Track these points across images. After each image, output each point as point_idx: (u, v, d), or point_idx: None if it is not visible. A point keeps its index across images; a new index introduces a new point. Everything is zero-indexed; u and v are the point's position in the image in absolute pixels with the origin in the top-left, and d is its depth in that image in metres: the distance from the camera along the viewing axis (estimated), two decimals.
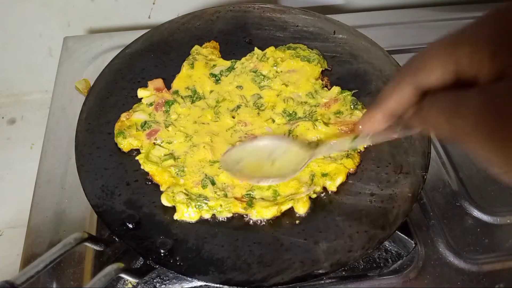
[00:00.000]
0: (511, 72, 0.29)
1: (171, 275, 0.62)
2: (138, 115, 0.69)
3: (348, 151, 0.65)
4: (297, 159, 0.56)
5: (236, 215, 0.60)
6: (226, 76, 0.75)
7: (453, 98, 0.32)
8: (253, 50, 0.78)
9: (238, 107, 0.71)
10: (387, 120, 0.41)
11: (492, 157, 0.29)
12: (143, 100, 0.71)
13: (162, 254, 0.55)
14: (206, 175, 0.63)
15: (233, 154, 0.59)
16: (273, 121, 0.69)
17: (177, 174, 0.63)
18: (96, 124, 0.68)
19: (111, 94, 0.72)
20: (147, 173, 0.63)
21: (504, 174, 0.30)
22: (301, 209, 0.60)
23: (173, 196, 0.60)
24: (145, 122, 0.68)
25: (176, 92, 0.72)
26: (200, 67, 0.75)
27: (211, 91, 0.73)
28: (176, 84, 0.74)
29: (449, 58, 0.34)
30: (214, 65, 0.76)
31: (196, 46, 0.78)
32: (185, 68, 0.75)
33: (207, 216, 0.59)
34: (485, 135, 0.29)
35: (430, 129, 0.37)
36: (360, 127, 0.43)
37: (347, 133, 0.66)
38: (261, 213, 0.59)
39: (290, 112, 0.70)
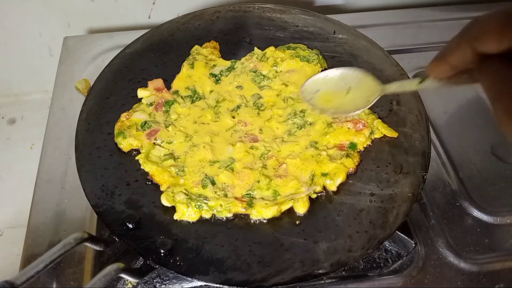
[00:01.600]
0: None
1: (171, 275, 0.62)
2: (138, 115, 0.69)
3: (347, 150, 0.65)
4: (369, 92, 0.56)
5: (236, 215, 0.60)
6: (226, 76, 0.75)
7: (503, 71, 0.35)
8: (253, 50, 0.78)
9: (238, 107, 0.71)
10: (451, 70, 0.43)
11: None
12: (143, 100, 0.71)
13: (162, 254, 0.55)
14: (206, 175, 0.63)
15: (310, 84, 0.60)
16: (290, 133, 0.68)
17: (177, 174, 0.63)
18: (96, 124, 0.68)
19: (111, 94, 0.72)
20: (147, 173, 0.63)
21: None
22: (301, 209, 0.60)
23: (173, 196, 0.60)
24: (145, 122, 0.68)
25: (176, 92, 0.72)
26: (200, 67, 0.75)
27: (211, 91, 0.73)
28: (176, 84, 0.74)
29: (503, 35, 0.36)
30: (214, 65, 0.76)
31: (196, 46, 0.78)
32: (185, 68, 0.75)
33: (207, 216, 0.59)
34: None
35: (498, 97, 0.39)
36: (427, 71, 0.45)
37: (356, 130, 0.66)
38: (261, 213, 0.59)
39: (297, 112, 0.70)
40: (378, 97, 0.56)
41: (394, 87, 0.54)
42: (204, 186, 0.61)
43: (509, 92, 0.36)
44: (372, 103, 0.56)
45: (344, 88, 0.57)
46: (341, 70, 0.59)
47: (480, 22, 0.38)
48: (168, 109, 0.70)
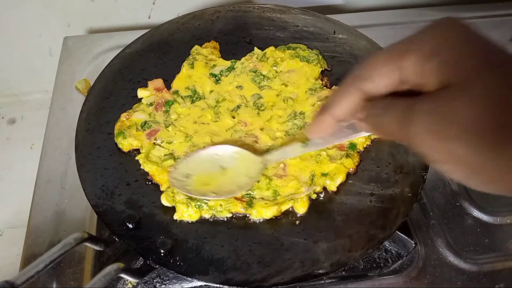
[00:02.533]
0: (455, 82, 0.31)
1: (171, 275, 0.62)
2: (138, 115, 0.69)
3: (347, 150, 0.65)
4: (249, 167, 0.53)
5: (236, 215, 0.60)
6: (226, 76, 0.75)
7: (403, 107, 0.34)
8: (253, 50, 0.78)
9: (238, 107, 0.71)
10: (336, 124, 0.42)
11: (437, 157, 0.32)
12: (143, 100, 0.71)
13: (162, 254, 0.55)
14: None
15: (180, 168, 0.56)
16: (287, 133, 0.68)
17: None
18: (96, 124, 0.68)
19: (111, 94, 0.72)
20: (147, 173, 0.63)
21: (451, 173, 0.33)
22: (301, 209, 0.60)
23: (173, 196, 0.60)
24: (145, 122, 0.68)
25: (176, 92, 0.72)
26: (200, 67, 0.75)
27: (211, 91, 0.73)
28: (176, 84, 0.74)
29: (395, 67, 0.35)
30: (214, 65, 0.76)
31: (196, 46, 0.78)
32: (185, 68, 0.75)
33: (207, 216, 0.59)
34: (434, 139, 0.31)
35: (381, 135, 0.38)
36: (309, 132, 0.44)
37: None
38: (261, 213, 0.59)
39: (297, 113, 0.70)
40: (262, 170, 0.53)
41: (277, 155, 0.51)
42: None
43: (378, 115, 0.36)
44: (257, 179, 0.53)
45: (217, 168, 0.54)
46: (210, 150, 0.55)
47: (366, 62, 0.38)
48: (168, 109, 0.70)
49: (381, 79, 0.36)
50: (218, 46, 0.80)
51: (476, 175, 0.31)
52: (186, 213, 0.59)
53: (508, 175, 0.30)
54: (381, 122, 0.37)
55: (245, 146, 0.63)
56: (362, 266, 0.64)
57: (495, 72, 0.30)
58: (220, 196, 0.56)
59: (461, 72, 0.31)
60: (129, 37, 0.81)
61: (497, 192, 0.32)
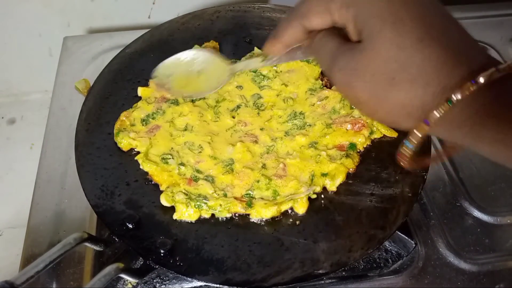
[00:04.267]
0: (363, 38, 0.36)
1: (171, 275, 0.62)
2: (138, 113, 0.69)
3: (347, 150, 0.65)
4: (219, 72, 0.57)
5: (236, 215, 0.60)
6: None
7: (332, 50, 0.39)
8: (253, 50, 0.78)
9: (238, 107, 0.71)
10: (285, 48, 0.46)
11: (349, 99, 0.40)
12: (143, 99, 0.71)
13: (162, 254, 0.55)
14: (198, 171, 0.63)
15: (162, 69, 0.59)
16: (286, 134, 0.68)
17: (178, 168, 0.63)
18: (96, 124, 0.68)
19: (111, 94, 0.72)
20: (146, 173, 0.63)
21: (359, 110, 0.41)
22: (301, 209, 0.60)
23: (173, 196, 0.60)
24: (145, 121, 0.68)
25: None
26: None
27: None
28: None
29: (325, 10, 0.39)
30: None
31: (196, 46, 0.78)
32: None
33: (206, 216, 0.59)
34: (347, 89, 0.38)
35: (321, 66, 0.45)
36: (265, 51, 0.49)
37: (355, 131, 0.66)
38: (261, 213, 0.59)
39: (297, 113, 0.70)
40: (229, 77, 0.57)
41: (241, 66, 0.56)
42: (195, 180, 0.61)
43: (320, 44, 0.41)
44: (224, 84, 0.57)
45: (195, 71, 0.58)
46: (191, 52, 0.59)
47: (306, 1, 0.41)
48: (168, 108, 0.70)
49: (315, 19, 0.40)
50: (218, 46, 0.80)
51: (374, 115, 0.38)
52: (185, 213, 0.59)
53: (391, 113, 0.36)
54: (317, 56, 0.43)
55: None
56: (362, 266, 0.64)
57: (392, 32, 0.34)
58: (195, 95, 0.64)
59: (368, 28, 0.35)
60: (129, 37, 0.81)
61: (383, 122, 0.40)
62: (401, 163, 0.39)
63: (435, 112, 0.33)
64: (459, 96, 0.32)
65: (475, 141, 0.34)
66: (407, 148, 0.37)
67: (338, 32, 0.40)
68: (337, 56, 0.38)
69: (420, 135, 0.35)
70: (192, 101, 0.71)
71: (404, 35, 0.34)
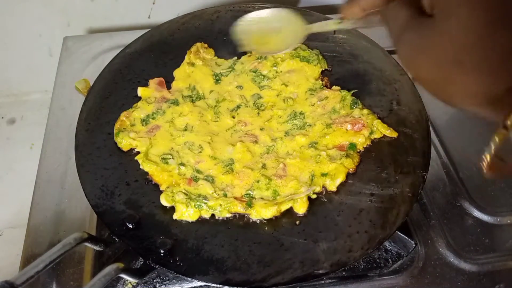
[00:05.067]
0: (437, 13, 0.35)
1: (171, 275, 0.62)
2: (138, 113, 0.69)
3: (347, 150, 0.65)
4: (297, 31, 0.59)
5: (236, 215, 0.60)
6: (226, 76, 0.75)
7: (403, 22, 0.38)
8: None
9: (238, 107, 0.71)
10: (364, 12, 0.47)
11: (411, 73, 0.39)
12: (143, 99, 0.71)
13: (162, 254, 0.55)
14: (198, 171, 0.63)
15: (244, 24, 0.61)
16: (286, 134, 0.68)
17: (178, 173, 0.63)
18: (96, 124, 0.68)
19: (111, 94, 0.72)
20: (146, 173, 0.63)
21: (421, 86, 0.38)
22: (301, 209, 0.60)
23: (173, 196, 0.60)
24: (145, 121, 0.68)
25: (176, 92, 0.72)
26: (200, 67, 0.75)
27: (211, 91, 0.73)
28: (176, 83, 0.74)
29: None
30: (217, 64, 0.76)
31: (197, 44, 0.78)
32: (186, 66, 0.75)
33: (206, 216, 0.59)
34: (409, 64, 0.38)
35: (390, 36, 0.43)
36: (342, 13, 0.50)
37: (355, 131, 0.66)
38: (260, 213, 0.59)
39: (297, 113, 0.70)
40: (305, 36, 0.58)
41: (316, 27, 0.57)
42: (195, 180, 0.61)
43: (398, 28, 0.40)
44: (300, 42, 0.60)
45: (275, 28, 0.60)
46: (268, 11, 0.61)
47: None
48: (168, 108, 0.70)
49: None
50: (207, 45, 0.79)
51: (435, 93, 0.37)
52: (185, 213, 0.59)
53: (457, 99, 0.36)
54: (387, 25, 0.41)
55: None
56: (362, 266, 0.64)
57: (465, 13, 0.33)
58: (271, 53, 0.66)
59: (441, 4, 0.34)
60: (129, 37, 0.81)
61: (446, 102, 0.38)
62: (485, 170, 0.38)
63: None
64: None
65: None
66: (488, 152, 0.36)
67: (413, 2, 0.39)
68: (406, 29, 0.38)
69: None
70: (192, 101, 0.71)
71: (476, 16, 0.32)
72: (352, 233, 0.57)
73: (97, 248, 0.59)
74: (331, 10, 1.06)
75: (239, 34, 0.60)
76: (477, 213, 0.70)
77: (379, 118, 0.68)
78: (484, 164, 0.37)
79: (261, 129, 0.69)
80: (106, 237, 0.64)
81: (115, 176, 0.62)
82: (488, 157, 0.36)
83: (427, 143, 0.65)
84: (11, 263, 0.70)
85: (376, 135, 0.67)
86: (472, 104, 0.34)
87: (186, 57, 0.77)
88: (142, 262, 0.59)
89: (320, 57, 0.77)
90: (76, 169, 0.62)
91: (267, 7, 0.84)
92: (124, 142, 0.65)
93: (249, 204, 0.59)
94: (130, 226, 0.57)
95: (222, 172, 0.63)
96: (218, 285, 0.53)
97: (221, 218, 0.59)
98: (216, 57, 0.78)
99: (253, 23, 0.60)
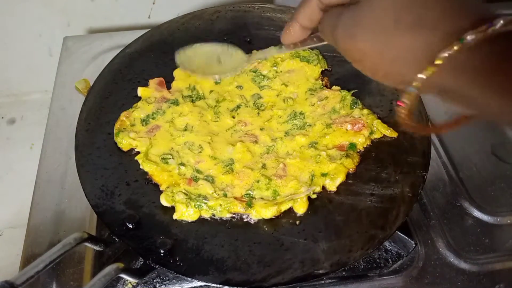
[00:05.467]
0: None
1: (171, 275, 0.61)
2: (138, 113, 0.69)
3: (347, 150, 0.65)
4: (237, 62, 0.60)
5: (236, 215, 0.60)
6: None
7: (337, 14, 0.40)
8: (253, 50, 0.78)
9: (238, 107, 0.71)
10: (303, 31, 0.47)
11: (353, 56, 0.40)
12: (143, 99, 0.71)
13: (162, 254, 0.55)
14: (198, 171, 0.63)
15: (186, 52, 0.62)
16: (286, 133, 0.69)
17: (178, 173, 0.63)
18: (96, 124, 0.68)
19: (111, 94, 0.72)
20: (146, 173, 0.63)
21: (363, 70, 0.40)
22: (300, 209, 0.60)
23: (173, 196, 0.60)
24: (145, 121, 0.68)
25: (176, 92, 0.72)
26: None
27: (211, 91, 0.73)
28: (176, 83, 0.74)
29: None
30: None
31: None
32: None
33: (206, 216, 0.59)
34: (349, 40, 0.38)
35: (325, 39, 0.45)
36: (282, 38, 0.50)
37: (355, 131, 0.66)
38: (260, 213, 0.59)
39: (297, 113, 0.70)
40: (247, 64, 0.62)
41: (257, 55, 0.59)
42: (195, 180, 0.61)
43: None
44: (240, 71, 0.65)
45: (214, 60, 0.61)
46: (210, 44, 0.62)
47: None
48: (168, 108, 0.70)
49: None
50: None
51: (377, 71, 0.38)
52: (185, 213, 0.59)
53: (395, 68, 0.36)
54: (322, 27, 0.43)
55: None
56: (362, 266, 0.64)
57: None
58: (217, 77, 0.69)
59: None
60: (129, 37, 0.81)
61: (391, 84, 0.38)
62: (400, 115, 0.37)
63: (444, 52, 0.31)
64: (473, 36, 0.31)
65: (483, 90, 0.32)
66: (409, 94, 0.35)
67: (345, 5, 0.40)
68: (339, 19, 0.39)
69: (425, 77, 0.33)
70: (192, 101, 0.71)
71: None
72: (352, 233, 0.57)
73: (97, 248, 0.59)
74: None
75: (180, 59, 0.61)
76: (477, 213, 0.70)
77: (379, 118, 0.68)
78: (400, 107, 0.37)
79: (261, 129, 0.69)
80: (106, 237, 0.64)
81: (115, 176, 0.62)
82: (408, 96, 0.36)
83: (427, 143, 0.65)
84: (11, 263, 0.70)
85: (376, 135, 0.67)
86: (414, 65, 0.34)
87: None
88: (142, 262, 0.59)
89: (320, 57, 0.77)
90: (76, 169, 0.62)
91: (268, 7, 0.85)
92: (124, 142, 0.65)
93: (249, 204, 0.59)
94: (130, 226, 0.57)
95: (222, 172, 0.63)
96: (218, 285, 0.53)
97: (221, 218, 0.59)
98: None
99: (193, 55, 0.62)
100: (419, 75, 0.33)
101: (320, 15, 0.44)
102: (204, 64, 0.61)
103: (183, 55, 0.61)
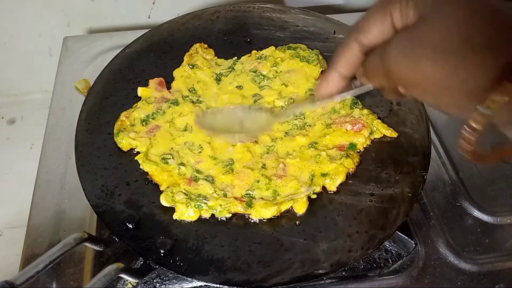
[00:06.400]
0: (426, 12, 0.34)
1: (171, 275, 0.62)
2: (138, 113, 0.69)
3: (347, 150, 0.65)
4: (265, 122, 0.60)
5: (236, 215, 0.60)
6: (226, 76, 0.75)
7: (384, 45, 0.37)
8: (253, 50, 0.78)
9: None
10: (342, 80, 0.44)
11: (409, 78, 0.36)
12: (143, 99, 0.71)
13: (162, 254, 0.55)
14: (198, 171, 0.63)
15: (206, 115, 0.62)
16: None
17: (178, 173, 0.63)
18: (96, 124, 0.68)
19: (111, 94, 0.72)
20: (146, 173, 0.63)
21: (422, 96, 0.37)
22: (300, 209, 0.60)
23: (172, 196, 0.60)
24: (145, 121, 0.68)
25: (176, 92, 0.72)
26: (200, 67, 0.75)
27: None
28: (176, 83, 0.74)
29: (385, 14, 0.38)
30: (217, 64, 0.76)
31: (196, 44, 0.78)
32: (186, 65, 0.75)
33: (206, 216, 0.59)
34: (406, 60, 0.35)
35: (372, 81, 0.42)
36: (318, 91, 0.47)
37: (355, 131, 0.66)
38: (260, 213, 0.59)
39: (297, 113, 0.70)
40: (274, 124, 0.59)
41: (290, 112, 0.57)
42: (195, 180, 0.61)
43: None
44: (269, 130, 0.60)
45: (236, 122, 0.60)
46: (235, 109, 0.62)
47: (362, 16, 0.40)
48: (168, 108, 0.70)
49: (375, 28, 0.39)
50: (207, 46, 0.79)
51: (442, 95, 0.35)
52: (185, 213, 0.59)
53: (464, 90, 0.33)
54: (369, 68, 0.40)
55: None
56: (362, 266, 0.64)
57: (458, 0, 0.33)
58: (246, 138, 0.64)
59: (429, 3, 0.34)
60: (129, 37, 0.81)
61: (458, 115, 0.35)
62: (465, 146, 0.34)
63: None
64: None
65: None
66: (482, 116, 0.32)
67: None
68: (390, 43, 0.36)
69: (507, 99, 0.30)
70: (192, 101, 0.71)
71: None
72: (352, 233, 0.57)
73: (97, 248, 0.59)
74: (331, 10, 1.07)
75: (200, 124, 0.61)
76: (477, 213, 0.70)
77: (379, 118, 0.68)
78: (466, 146, 0.34)
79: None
80: (106, 237, 0.64)
81: (115, 176, 0.62)
82: (469, 135, 0.33)
83: (427, 143, 0.65)
84: (11, 263, 0.70)
85: (376, 135, 0.67)
86: (470, 99, 0.32)
87: (185, 58, 0.77)
88: (142, 262, 0.59)
89: (320, 57, 0.77)
90: (76, 169, 0.62)
91: (268, 7, 0.85)
92: (124, 142, 0.65)
93: (249, 204, 0.59)
94: (130, 226, 0.57)
95: (222, 172, 0.63)
96: (218, 285, 0.53)
97: (221, 218, 0.59)
98: (216, 57, 0.78)
99: (213, 117, 0.62)
100: (496, 96, 0.31)
101: (362, 59, 0.41)
102: (226, 127, 0.60)
103: (202, 119, 0.61)
